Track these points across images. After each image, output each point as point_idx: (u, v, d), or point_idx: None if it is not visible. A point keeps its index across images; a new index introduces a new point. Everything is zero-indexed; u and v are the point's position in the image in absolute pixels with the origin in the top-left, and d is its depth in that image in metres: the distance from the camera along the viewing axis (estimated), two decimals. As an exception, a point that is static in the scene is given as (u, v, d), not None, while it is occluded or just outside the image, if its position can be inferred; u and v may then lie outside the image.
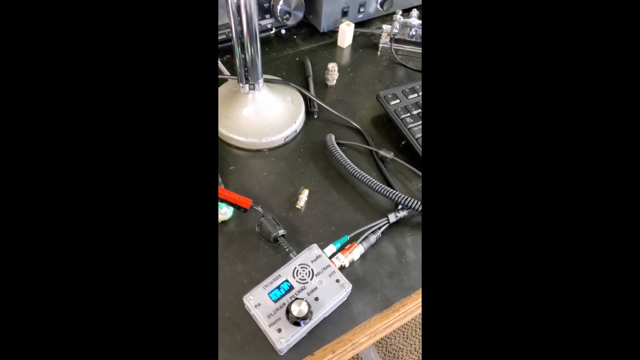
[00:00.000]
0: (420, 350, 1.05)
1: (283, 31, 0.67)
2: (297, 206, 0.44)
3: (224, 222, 0.43)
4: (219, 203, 0.41)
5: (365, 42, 0.67)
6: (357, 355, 1.02)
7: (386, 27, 0.64)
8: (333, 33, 0.67)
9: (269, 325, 0.33)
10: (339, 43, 0.66)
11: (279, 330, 0.33)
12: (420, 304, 0.39)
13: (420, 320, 1.10)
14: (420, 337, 1.07)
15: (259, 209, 0.42)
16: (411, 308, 0.39)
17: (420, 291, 0.39)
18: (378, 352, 1.04)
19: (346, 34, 0.64)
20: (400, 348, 1.05)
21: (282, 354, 0.34)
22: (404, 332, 1.08)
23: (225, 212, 0.42)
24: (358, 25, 0.68)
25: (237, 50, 0.46)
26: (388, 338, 1.06)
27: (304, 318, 0.33)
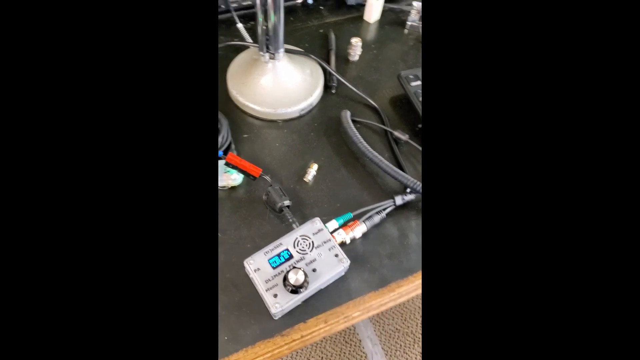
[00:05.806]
0: (416, 334, 1.07)
1: (310, 1, 0.65)
2: (305, 179, 0.45)
3: (233, 187, 0.43)
4: (230, 169, 0.42)
5: (393, 18, 0.65)
6: (355, 333, 1.05)
7: (417, 3, 0.62)
8: (360, 6, 0.65)
9: (266, 290, 0.34)
10: (366, 17, 0.64)
11: (275, 296, 0.34)
12: (417, 287, 0.40)
13: (419, 305, 1.11)
14: (418, 321, 1.09)
15: (268, 178, 0.42)
16: (407, 289, 0.39)
17: (418, 274, 0.40)
18: (375, 331, 1.06)
19: (374, 9, 0.62)
20: (397, 329, 1.07)
21: (276, 319, 0.35)
22: (402, 314, 1.10)
23: (235, 178, 0.43)
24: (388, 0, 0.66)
25: (260, 17, 0.45)
26: (386, 318, 1.08)
27: (300, 286, 0.34)
